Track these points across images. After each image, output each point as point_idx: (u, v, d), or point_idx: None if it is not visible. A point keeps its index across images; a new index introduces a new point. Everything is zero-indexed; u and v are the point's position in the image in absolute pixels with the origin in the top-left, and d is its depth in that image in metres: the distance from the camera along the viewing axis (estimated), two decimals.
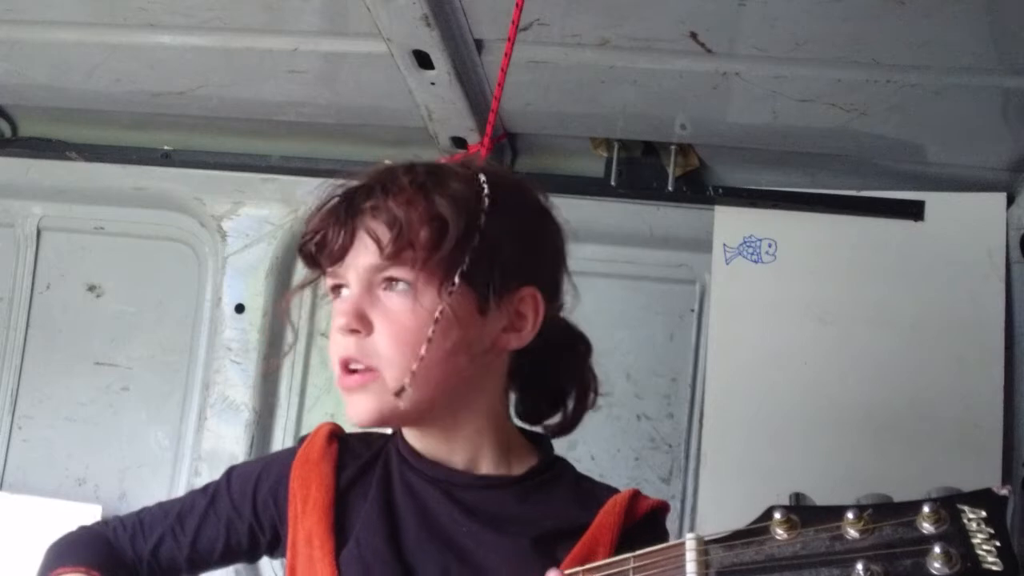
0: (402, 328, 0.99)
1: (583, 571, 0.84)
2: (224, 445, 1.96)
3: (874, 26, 1.38)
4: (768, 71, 1.52)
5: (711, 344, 1.81)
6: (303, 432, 1.96)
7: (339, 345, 1.01)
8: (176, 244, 2.11)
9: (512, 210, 1.05)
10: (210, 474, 1.94)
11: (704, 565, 0.73)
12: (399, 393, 0.99)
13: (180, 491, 1.98)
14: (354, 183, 1.04)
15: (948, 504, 0.69)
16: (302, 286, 1.12)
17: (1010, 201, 1.72)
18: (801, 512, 0.72)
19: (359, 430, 1.14)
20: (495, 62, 1.52)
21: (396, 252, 0.98)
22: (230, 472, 1.17)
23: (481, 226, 1.00)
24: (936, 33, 1.37)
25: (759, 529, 0.72)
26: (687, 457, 1.86)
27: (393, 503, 1.06)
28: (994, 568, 0.66)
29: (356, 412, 1.02)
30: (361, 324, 0.99)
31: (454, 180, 1.03)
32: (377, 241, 0.98)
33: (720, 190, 1.84)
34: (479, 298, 1.00)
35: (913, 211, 1.75)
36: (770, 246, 1.80)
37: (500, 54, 1.46)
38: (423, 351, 0.98)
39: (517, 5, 1.35)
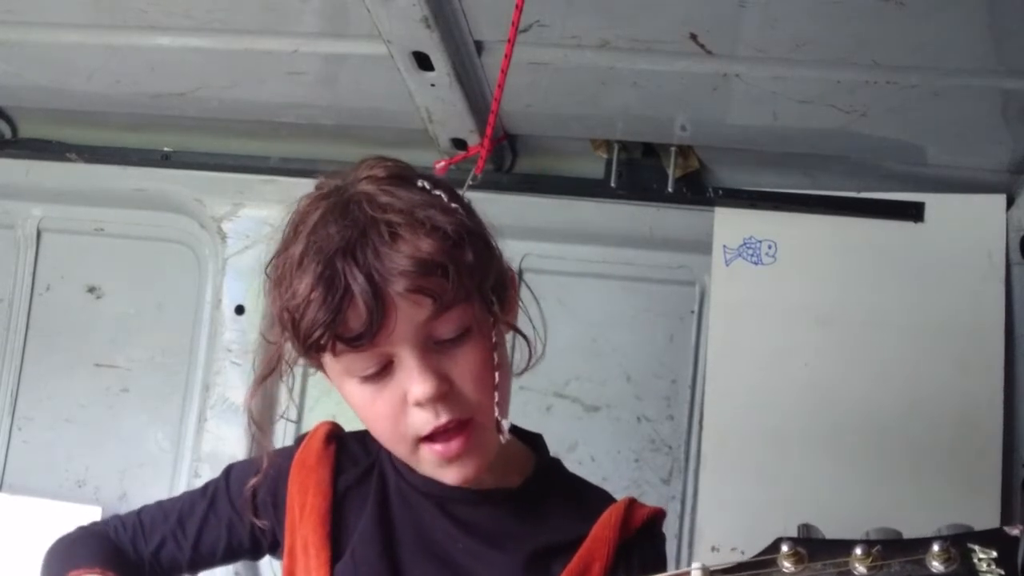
0: (482, 373, 0.92)
1: None
2: (224, 447, 1.96)
3: (874, 27, 1.38)
4: (768, 72, 1.52)
5: (711, 346, 1.80)
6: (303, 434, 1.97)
7: (424, 417, 0.90)
8: (176, 245, 2.11)
9: (468, 206, 0.98)
10: (210, 475, 1.91)
11: None
12: (496, 430, 0.95)
13: (180, 493, 1.98)
14: (331, 245, 0.88)
15: (958, 543, 0.68)
16: (265, 377, 1.02)
17: (1010, 202, 1.72)
18: (809, 545, 0.71)
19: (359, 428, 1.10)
20: (495, 64, 1.51)
21: (451, 303, 0.88)
22: (228, 471, 1.16)
23: (476, 232, 0.95)
24: (936, 34, 1.37)
25: (766, 561, 0.72)
26: (687, 458, 1.86)
27: (389, 516, 1.03)
28: None
29: (465, 473, 0.94)
30: (445, 384, 0.90)
31: (421, 193, 0.93)
32: (432, 297, 0.87)
33: (720, 191, 1.83)
34: (496, 301, 0.96)
35: (913, 213, 1.75)
36: (770, 248, 1.80)
37: (500, 56, 1.46)
38: (497, 380, 0.93)
39: (517, 7, 1.34)
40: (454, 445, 0.92)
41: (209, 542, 1.11)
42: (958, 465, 1.66)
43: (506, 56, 1.44)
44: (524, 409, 1.87)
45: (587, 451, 1.87)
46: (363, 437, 1.10)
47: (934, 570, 0.67)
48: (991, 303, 1.70)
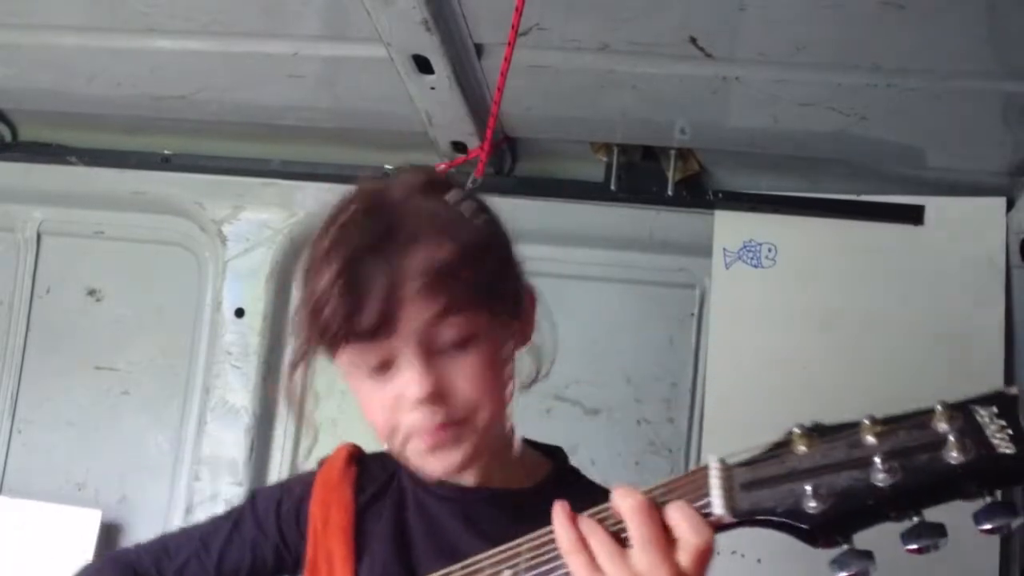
0: (480, 381, 0.96)
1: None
2: (224, 449, 1.96)
3: (874, 30, 1.38)
4: (768, 75, 1.52)
5: (711, 348, 1.80)
6: (302, 437, 1.97)
7: (419, 417, 0.95)
8: (176, 248, 2.11)
9: (495, 222, 1.05)
10: (210, 478, 1.94)
11: (727, 481, 0.77)
12: (487, 435, 0.98)
13: (180, 495, 1.98)
14: (354, 244, 0.94)
15: (960, 406, 0.72)
16: (297, 362, 1.03)
17: (1010, 205, 1.72)
18: (820, 428, 0.76)
19: (378, 449, 1.15)
20: (495, 67, 1.52)
21: (459, 309, 0.93)
22: (254, 495, 1.20)
23: (495, 248, 1.02)
24: (936, 37, 1.37)
25: (780, 444, 0.77)
26: (687, 461, 1.85)
27: (405, 522, 1.08)
28: (1008, 452, 0.69)
29: (447, 465, 0.98)
30: (441, 389, 0.94)
31: (447, 205, 1.00)
32: (441, 301, 0.92)
33: (720, 194, 1.84)
34: (509, 317, 1.02)
35: (913, 215, 1.75)
36: (770, 250, 1.80)
37: (500, 58, 1.46)
38: (502, 392, 0.99)
39: (517, 9, 1.35)
40: (441, 435, 0.95)
41: (233, 561, 1.14)
42: None
43: (506, 59, 1.44)
44: (524, 412, 1.85)
45: (587, 454, 1.86)
46: (382, 457, 1.15)
47: (940, 430, 0.71)
48: (991, 306, 1.70)
